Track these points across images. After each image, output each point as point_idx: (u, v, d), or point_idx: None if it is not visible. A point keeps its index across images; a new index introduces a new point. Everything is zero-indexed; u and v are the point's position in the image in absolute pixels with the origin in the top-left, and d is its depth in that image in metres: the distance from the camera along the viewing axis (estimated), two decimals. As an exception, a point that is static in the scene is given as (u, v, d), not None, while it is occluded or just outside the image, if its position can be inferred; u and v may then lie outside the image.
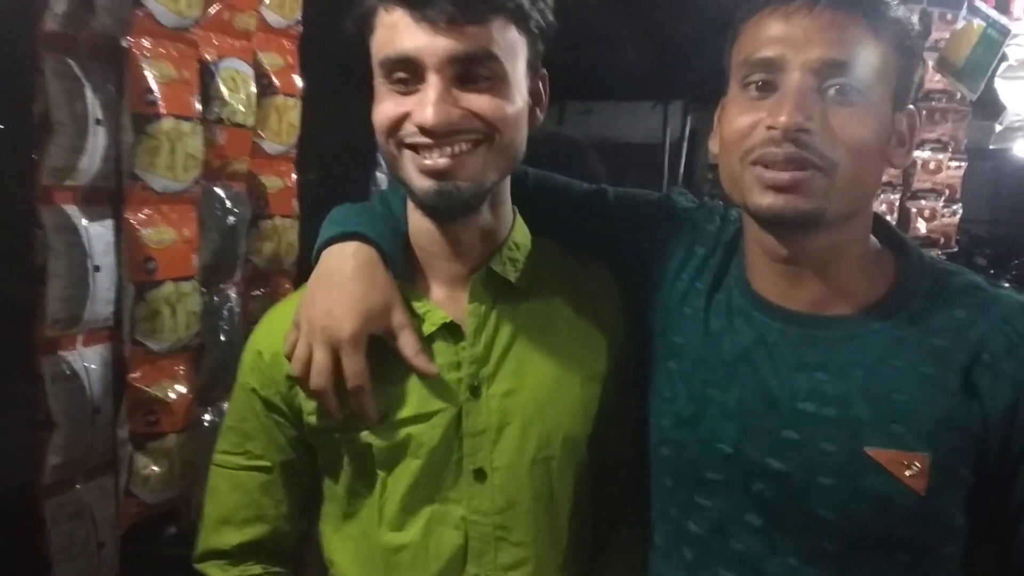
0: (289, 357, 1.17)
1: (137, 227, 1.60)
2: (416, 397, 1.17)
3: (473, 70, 1.07)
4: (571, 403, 1.20)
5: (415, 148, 1.08)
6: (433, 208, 1.12)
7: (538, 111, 1.19)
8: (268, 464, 1.24)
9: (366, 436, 1.17)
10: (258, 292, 2.04)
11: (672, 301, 1.24)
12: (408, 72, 1.07)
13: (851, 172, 1.03)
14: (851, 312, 1.11)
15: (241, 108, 1.85)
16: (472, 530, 1.16)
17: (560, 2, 1.17)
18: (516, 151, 1.14)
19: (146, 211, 1.62)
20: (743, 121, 1.06)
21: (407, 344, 1.15)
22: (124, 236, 1.61)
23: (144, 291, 1.61)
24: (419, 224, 1.19)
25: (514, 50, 1.10)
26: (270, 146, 2.01)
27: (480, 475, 1.16)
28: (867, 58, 1.03)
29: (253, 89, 1.89)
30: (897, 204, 3.93)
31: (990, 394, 1.02)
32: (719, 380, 1.14)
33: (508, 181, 1.20)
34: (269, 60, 1.98)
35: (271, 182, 2.03)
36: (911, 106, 1.11)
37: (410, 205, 1.19)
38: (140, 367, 1.64)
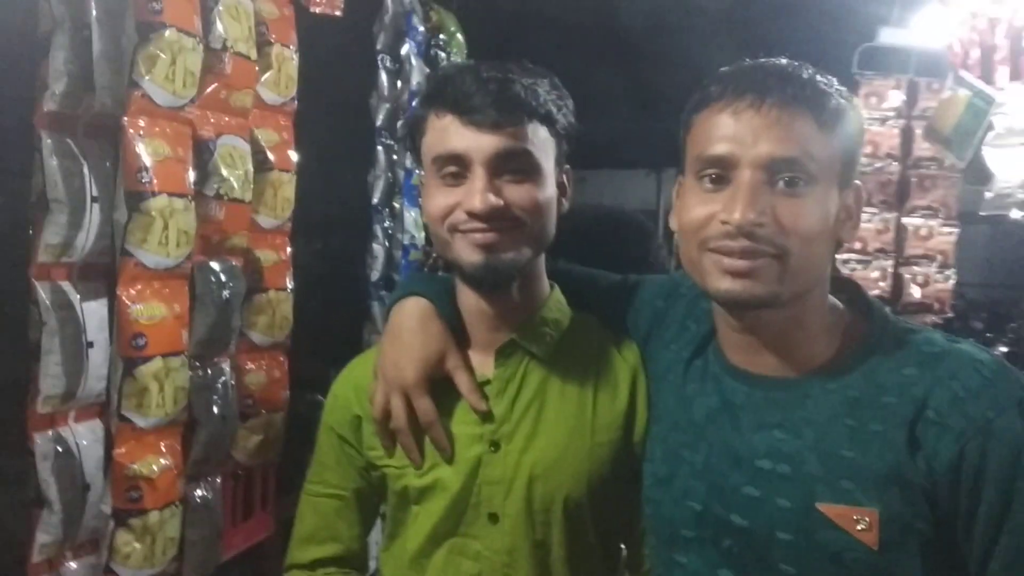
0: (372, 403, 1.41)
1: (128, 303, 1.61)
2: (449, 446, 1.37)
3: (511, 164, 1.28)
4: (576, 467, 1.35)
5: (465, 232, 1.28)
6: (480, 278, 1.32)
7: (564, 200, 1.39)
8: (342, 492, 1.48)
9: (405, 475, 1.38)
10: (252, 366, 2.04)
11: (660, 370, 1.34)
12: (457, 166, 1.28)
13: (802, 257, 1.10)
14: (810, 372, 1.16)
15: (238, 184, 1.87)
16: (484, 563, 1.36)
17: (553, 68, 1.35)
18: (547, 233, 1.34)
19: (138, 287, 1.63)
20: (699, 212, 1.13)
21: (463, 382, 1.37)
22: (115, 312, 1.62)
23: (132, 367, 1.61)
24: (465, 297, 1.40)
25: (545, 148, 1.32)
26: (265, 220, 2.03)
27: (494, 518, 1.35)
28: (813, 151, 1.09)
29: (250, 165, 1.91)
30: (890, 270, 3.95)
31: (934, 450, 1.05)
32: (690, 441, 1.22)
33: (542, 261, 1.40)
34: (265, 136, 2.02)
35: (266, 256, 2.04)
36: (857, 182, 1.17)
37: (459, 285, 1.40)
38: (126, 443, 1.64)
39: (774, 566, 1.10)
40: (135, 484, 1.64)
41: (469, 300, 1.39)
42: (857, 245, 3.94)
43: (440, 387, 1.38)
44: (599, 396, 1.40)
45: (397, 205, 2.97)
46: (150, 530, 1.66)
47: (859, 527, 1.05)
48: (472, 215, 1.26)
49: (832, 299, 1.21)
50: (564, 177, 1.40)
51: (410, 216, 2.95)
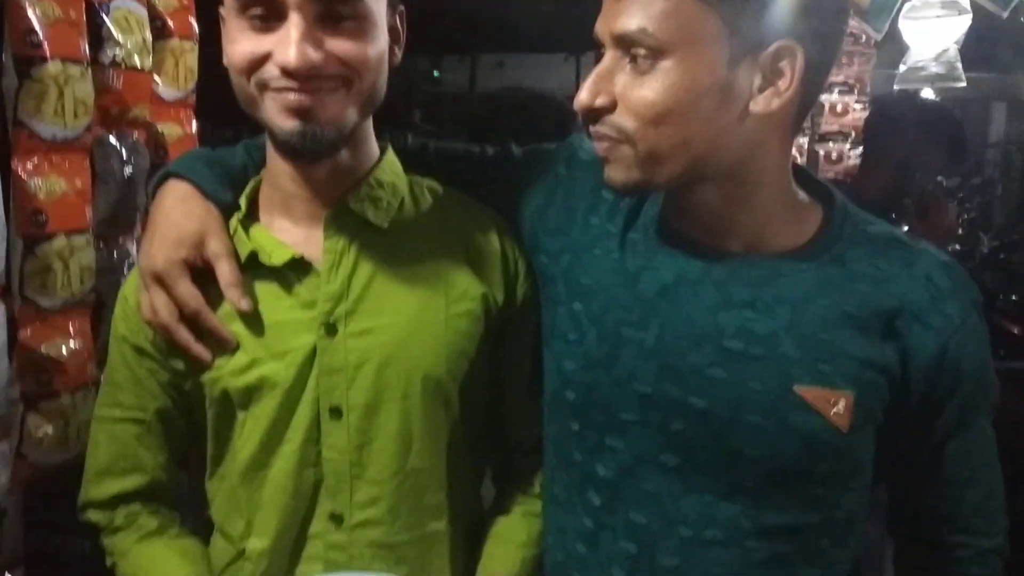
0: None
1: (25, 178, 1.51)
2: (269, 336, 1.16)
3: (335, 8, 1.04)
4: (433, 342, 1.18)
5: (277, 90, 1.05)
6: (297, 148, 1.08)
7: (397, 49, 1.16)
8: (141, 415, 1.24)
9: (222, 377, 1.17)
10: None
11: (581, 244, 1.20)
12: (266, 7, 1.03)
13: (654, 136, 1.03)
14: (780, 253, 1.10)
15: (136, 51, 1.75)
16: (328, 467, 1.17)
17: None
18: (378, 92, 1.13)
19: (34, 160, 1.53)
20: None
21: (223, 274, 1.15)
22: (12, 187, 1.52)
23: (34, 245, 1.53)
24: (277, 165, 1.17)
25: None
26: (167, 92, 1.92)
27: (336, 413, 1.16)
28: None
29: (148, 32, 1.79)
30: (805, 147, 3.99)
31: (915, 344, 1.06)
32: (636, 319, 1.12)
33: (370, 120, 1.19)
34: (162, 1, 1.89)
35: (170, 130, 1.94)
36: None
37: (269, 147, 1.17)
38: (31, 325, 1.56)
39: (733, 448, 1.07)
40: (43, 367, 1.57)
41: (283, 166, 1.16)
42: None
43: (259, 273, 1.18)
44: (452, 265, 1.22)
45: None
46: (63, 414, 1.60)
47: (834, 410, 1.05)
48: (286, 72, 1.03)
49: (793, 186, 1.14)
50: (397, 19, 1.16)
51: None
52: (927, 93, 3.67)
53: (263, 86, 1.06)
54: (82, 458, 1.30)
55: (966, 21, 3.05)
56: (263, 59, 1.04)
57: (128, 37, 1.73)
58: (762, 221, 1.10)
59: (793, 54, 1.01)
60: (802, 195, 1.15)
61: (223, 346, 1.16)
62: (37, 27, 1.49)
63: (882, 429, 1.10)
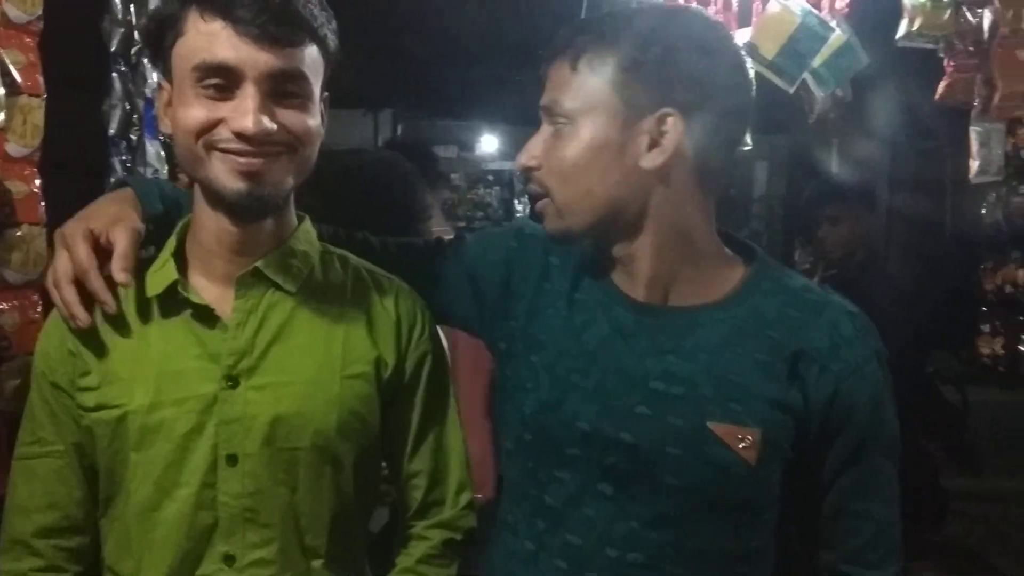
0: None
1: None
2: (174, 382, 1.24)
3: (285, 86, 1.19)
4: (326, 401, 1.28)
5: (227, 152, 1.17)
6: (243, 208, 1.21)
7: (321, 129, 1.29)
8: (59, 449, 1.28)
9: (125, 416, 1.23)
10: (6, 305, 1.89)
11: (537, 306, 1.35)
12: (224, 80, 1.16)
13: (567, 192, 1.25)
14: (701, 305, 1.25)
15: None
16: (222, 511, 1.24)
17: None
18: (311, 162, 1.27)
19: None
20: None
21: (119, 247, 1.24)
22: None
23: None
24: (208, 223, 1.26)
25: (317, 71, 1.24)
26: (15, 149, 1.88)
27: (232, 460, 1.24)
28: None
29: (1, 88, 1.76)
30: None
31: (814, 385, 1.19)
32: (581, 367, 1.26)
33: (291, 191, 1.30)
34: (12, 57, 1.85)
35: (16, 187, 1.89)
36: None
37: (200, 205, 1.26)
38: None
39: (658, 478, 1.19)
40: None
41: (211, 224, 1.26)
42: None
43: (170, 321, 1.27)
44: (350, 329, 1.32)
45: (135, 138, 2.81)
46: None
47: (742, 445, 1.17)
48: (241, 137, 1.16)
49: (716, 244, 1.29)
50: (323, 105, 1.29)
51: (152, 149, 2.80)
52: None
53: (211, 147, 1.17)
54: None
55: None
56: (215, 123, 1.16)
57: (-19, 94, 1.70)
58: (687, 277, 1.26)
59: (674, 119, 1.19)
60: (728, 252, 1.31)
61: (106, 311, 1.24)
62: None
63: (789, 464, 1.23)
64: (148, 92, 2.77)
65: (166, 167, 2.84)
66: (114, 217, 1.27)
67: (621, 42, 1.20)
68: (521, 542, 1.29)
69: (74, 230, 1.25)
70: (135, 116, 2.80)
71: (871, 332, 1.25)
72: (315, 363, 1.29)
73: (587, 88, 1.20)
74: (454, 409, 1.43)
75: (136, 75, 2.80)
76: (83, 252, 1.23)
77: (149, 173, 2.80)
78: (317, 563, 1.30)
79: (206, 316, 1.26)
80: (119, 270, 1.22)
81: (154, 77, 2.66)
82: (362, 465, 1.34)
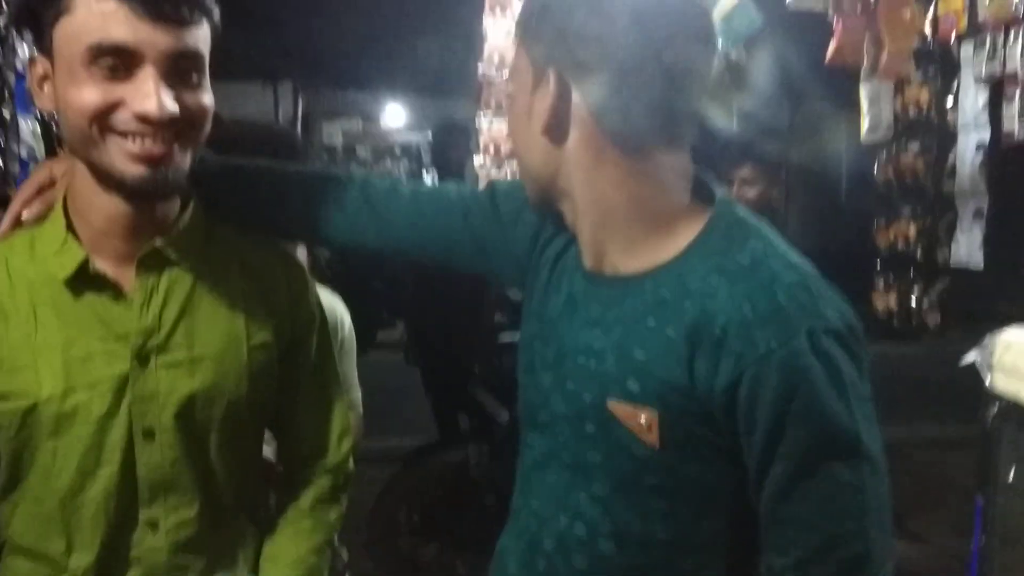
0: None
1: None
2: (83, 366, 1.24)
3: (182, 66, 1.16)
4: (236, 370, 1.31)
5: (124, 135, 1.15)
6: (144, 192, 1.19)
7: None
8: None
9: (36, 405, 1.22)
10: None
11: (535, 274, 1.30)
12: (119, 60, 1.13)
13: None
14: (646, 271, 1.13)
15: None
16: (143, 483, 1.26)
17: None
18: (203, 140, 1.25)
19: None
20: None
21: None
22: None
23: None
24: (99, 203, 1.24)
25: (208, 48, 1.21)
26: None
27: (149, 435, 1.26)
28: None
29: None
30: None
31: (713, 368, 1.03)
32: (543, 334, 1.24)
33: None
34: None
35: None
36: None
37: (89, 185, 1.23)
38: None
39: (584, 454, 1.16)
40: None
41: (104, 205, 1.23)
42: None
43: (66, 303, 1.24)
44: (249, 301, 1.34)
45: (7, 114, 2.66)
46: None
47: (639, 426, 1.08)
48: (144, 120, 1.13)
49: (660, 210, 1.14)
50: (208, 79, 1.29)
51: (26, 126, 2.66)
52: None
53: (108, 130, 1.14)
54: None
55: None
56: (113, 106, 1.13)
57: None
58: (621, 245, 1.15)
59: (554, 79, 1.11)
60: (693, 208, 1.14)
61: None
62: None
63: (723, 449, 1.08)
64: (19, 66, 2.63)
65: (42, 145, 2.70)
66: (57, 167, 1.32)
67: (526, 4, 1.20)
68: (514, 500, 1.32)
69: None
70: (5, 91, 2.65)
71: (802, 306, 1.02)
72: (222, 336, 1.31)
73: (518, 55, 1.20)
74: (334, 361, 1.49)
75: (5, 47, 2.64)
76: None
77: (23, 151, 2.66)
78: (233, 516, 1.36)
79: (112, 295, 1.26)
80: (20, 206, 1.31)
81: (24, 50, 2.53)
82: (265, 422, 1.41)
